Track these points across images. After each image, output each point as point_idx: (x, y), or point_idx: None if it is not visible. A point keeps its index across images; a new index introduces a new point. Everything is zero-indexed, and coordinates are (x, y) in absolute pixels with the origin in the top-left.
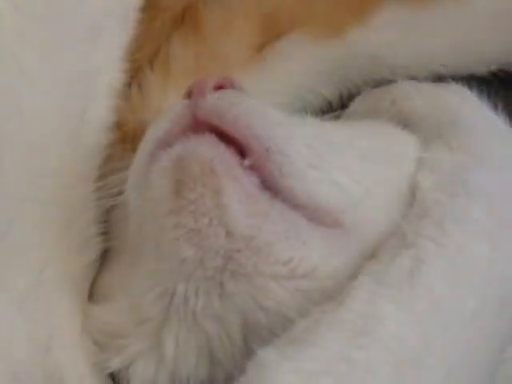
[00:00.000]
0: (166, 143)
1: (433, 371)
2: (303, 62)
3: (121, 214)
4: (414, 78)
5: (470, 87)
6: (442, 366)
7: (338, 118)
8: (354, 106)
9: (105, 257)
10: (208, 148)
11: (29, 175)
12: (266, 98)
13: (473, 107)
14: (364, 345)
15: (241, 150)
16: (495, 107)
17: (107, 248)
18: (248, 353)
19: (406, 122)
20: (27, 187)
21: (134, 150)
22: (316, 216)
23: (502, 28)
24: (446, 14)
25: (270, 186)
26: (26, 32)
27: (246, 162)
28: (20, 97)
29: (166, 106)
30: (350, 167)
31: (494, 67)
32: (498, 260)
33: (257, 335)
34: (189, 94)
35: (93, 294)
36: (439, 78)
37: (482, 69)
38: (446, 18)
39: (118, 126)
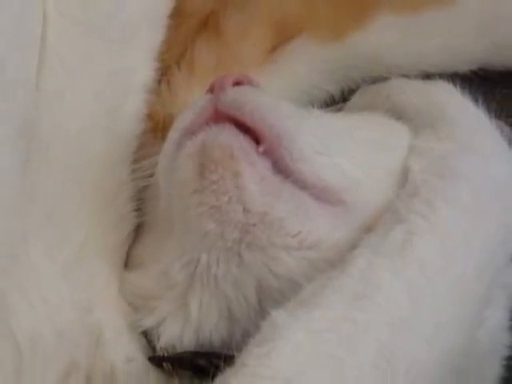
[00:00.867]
0: (191, 132)
1: (422, 328)
2: (309, 63)
3: (152, 193)
4: (406, 75)
5: (454, 84)
6: (430, 323)
7: (339, 110)
8: (354, 99)
9: (138, 230)
10: (228, 136)
11: (72, 160)
12: (277, 94)
13: (457, 101)
14: (363, 306)
15: (256, 138)
16: (476, 101)
17: (140, 223)
18: (262, 313)
19: (399, 114)
20: (71, 171)
21: (163, 138)
22: (321, 195)
23: (483, 33)
24: (435, 20)
25: (281, 169)
26: (68, 35)
27: (261, 149)
28: (64, 91)
29: (191, 100)
30: (351, 153)
31: (474, 66)
32: (479, 234)
33: (270, 298)
34: (211, 89)
35: (128, 263)
36: (428, 76)
37: (464, 68)
38: (435, 24)
39: (150, 117)
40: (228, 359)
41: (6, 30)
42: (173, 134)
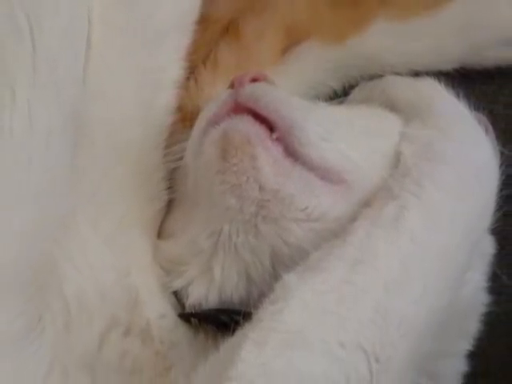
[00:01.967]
0: (214, 122)
1: (412, 289)
2: (315, 62)
3: (182, 173)
4: (398, 73)
5: (439, 81)
6: (419, 285)
7: (341, 103)
8: (354, 94)
9: (170, 206)
10: (246, 125)
11: (113, 146)
12: (288, 89)
13: (442, 95)
14: (361, 271)
15: (270, 127)
16: (457, 96)
17: (172, 199)
18: (276, 276)
19: (392, 106)
20: (112, 155)
21: (191, 127)
22: (326, 175)
23: (463, 37)
24: (422, 26)
25: (291, 153)
26: (109, 37)
27: (274, 136)
28: (105, 85)
29: (215, 94)
30: (351, 139)
31: (456, 66)
32: (461, 209)
33: (282, 263)
34: (232, 85)
35: (161, 234)
36: (416, 74)
37: (447, 67)
38: (423, 30)
39: (180, 109)
40: (246, 315)
41: (58, 33)
42: (199, 123)
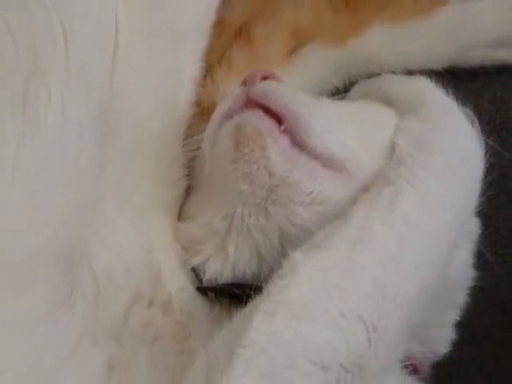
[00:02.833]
0: (229, 115)
1: (406, 266)
2: (319, 62)
3: (199, 162)
4: (393, 72)
5: (430, 79)
6: (412, 262)
7: (342, 99)
8: (354, 91)
9: (189, 191)
10: (257, 118)
11: (137, 137)
12: (294, 86)
13: (433, 92)
14: (361, 249)
15: (278, 120)
16: (447, 92)
17: (190, 185)
18: (284, 254)
19: (388, 102)
20: (136, 145)
21: (207, 120)
22: (329, 164)
23: (452, 40)
24: (415, 30)
25: (298, 143)
26: (134, 40)
27: (282, 128)
28: (130, 84)
29: (229, 91)
30: (351, 131)
31: (445, 65)
32: (450, 194)
33: (289, 242)
34: (244, 83)
35: (180, 216)
36: (410, 73)
37: (438, 66)
38: (415, 33)
39: (197, 104)
40: (257, 289)
41: (88, 37)
42: (215, 117)
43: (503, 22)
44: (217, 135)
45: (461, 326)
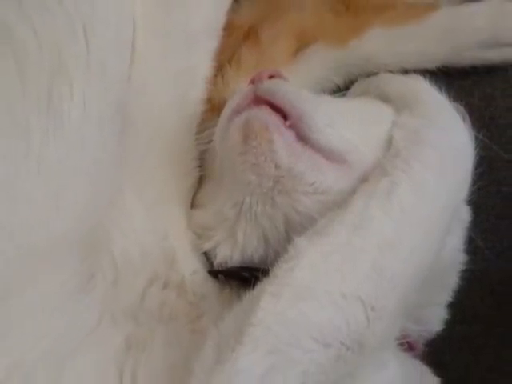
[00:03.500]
0: (238, 111)
1: (402, 249)
2: (321, 62)
3: (211, 154)
4: (390, 71)
5: (425, 77)
6: (408, 246)
7: (343, 96)
8: (354, 88)
9: (201, 181)
10: (264, 114)
11: (153, 131)
12: (299, 84)
13: (427, 89)
14: (360, 235)
15: (284, 116)
16: (440, 90)
17: (202, 175)
18: (288, 239)
19: (385, 99)
20: (152, 139)
21: (218, 115)
22: (330, 156)
23: (445, 41)
24: (411, 32)
25: (302, 138)
26: (150, 42)
27: (287, 123)
28: (147, 82)
29: (238, 88)
30: (351, 126)
31: (438, 64)
32: (442, 184)
33: (294, 229)
34: (252, 81)
35: (193, 204)
36: (406, 71)
37: (431, 65)
38: (411, 35)
39: (209, 101)
40: (264, 272)
41: (108, 39)
42: (225, 113)
43: (492, 25)
44: (227, 130)
45: (452, 306)
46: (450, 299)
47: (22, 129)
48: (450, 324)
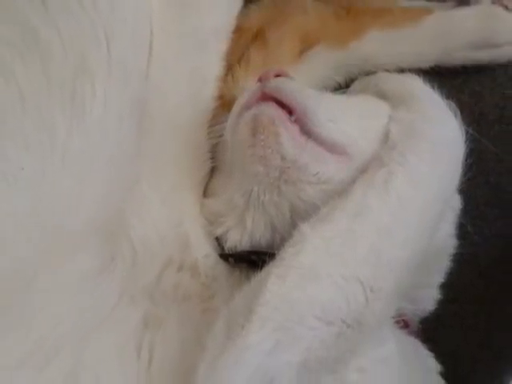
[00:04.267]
0: (247, 107)
1: (398, 234)
2: (323, 62)
3: (222, 147)
4: (387, 70)
5: (419, 76)
6: (403, 232)
7: (344, 93)
8: (354, 86)
9: (213, 172)
10: (271, 110)
11: (168, 126)
12: (303, 83)
13: (421, 87)
14: (359, 221)
15: (289, 112)
16: (432, 87)
17: (214, 167)
18: (294, 226)
19: (383, 96)
20: (168, 133)
21: (229, 111)
22: (332, 148)
23: (437, 43)
24: (406, 34)
25: (306, 131)
26: (166, 43)
27: (292, 118)
28: (163, 80)
29: (247, 86)
30: (351, 121)
31: (432, 64)
32: (436, 174)
33: (299, 215)
34: (260, 79)
35: (206, 193)
36: (402, 71)
37: (425, 65)
38: (406, 37)
39: (220, 97)
40: (271, 256)
41: (127, 41)
42: (235, 109)
43: (481, 28)
44: (237, 124)
45: (444, 287)
46: (442, 281)
47: (48, 124)
48: (442, 303)
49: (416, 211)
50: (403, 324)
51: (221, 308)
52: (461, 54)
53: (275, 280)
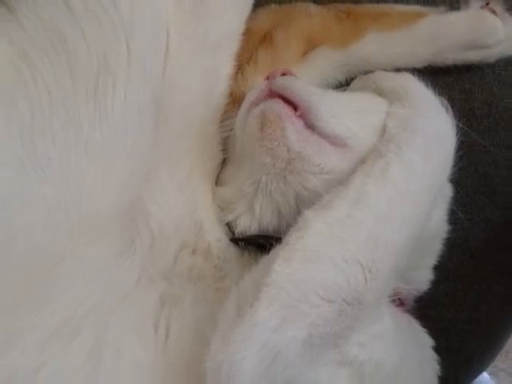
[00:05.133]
0: (255, 103)
1: (395, 220)
2: (326, 62)
3: (232, 140)
4: (384, 69)
5: (413, 74)
6: (400, 217)
7: (344, 90)
8: (353, 84)
9: (224, 163)
10: (277, 106)
11: (183, 120)
12: (307, 81)
13: (415, 85)
14: (359, 208)
15: (294, 107)
16: (426, 85)
17: (225, 158)
18: (299, 212)
19: (380, 92)
20: (182, 127)
21: (239, 107)
22: (334, 141)
23: (431, 44)
24: (402, 35)
25: (310, 126)
26: (181, 44)
27: (297, 113)
28: (178, 78)
29: (256, 84)
30: (352, 116)
31: (425, 64)
32: (429, 164)
33: (303, 203)
34: (267, 78)
35: (217, 182)
36: (397, 70)
37: (419, 65)
38: (402, 38)
39: (231, 94)
40: (278, 240)
41: (145, 41)
42: (245, 105)
43: (470, 31)
44: (246, 119)
45: (437, 268)
46: (435, 262)
47: (74, 118)
48: (435, 283)
49: (411, 198)
50: (399, 302)
51: (232, 287)
52: (452, 55)
53: (281, 262)
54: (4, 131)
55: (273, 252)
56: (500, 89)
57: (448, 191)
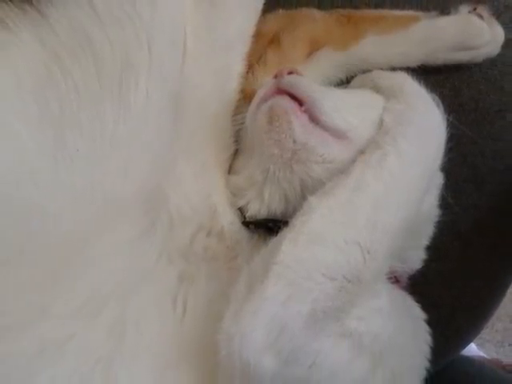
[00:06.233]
0: (264, 99)
1: (391, 206)
2: (328, 62)
3: (243, 133)
4: (381, 68)
5: (408, 73)
6: (395, 202)
7: (345, 87)
8: (353, 82)
9: (236, 153)
10: (284, 102)
11: (199, 114)
12: (311, 79)
13: (410, 82)
14: (358, 195)
15: (300, 103)
16: (419, 83)
17: (237, 149)
18: (304, 198)
19: (378, 90)
20: (198, 120)
21: (249, 103)
22: (336, 134)
23: (423, 45)
24: (398, 38)
25: (314, 120)
26: (197, 44)
27: (302, 108)
28: (194, 76)
29: (265, 82)
30: (352, 110)
31: (419, 63)
32: (422, 154)
33: (308, 189)
34: (275, 76)
35: (230, 170)
36: (393, 69)
37: (413, 64)
38: (398, 40)
39: (242, 91)
40: (285, 223)
41: (165, 42)
42: (254, 101)
43: (459, 33)
44: (256, 113)
45: (429, 248)
46: (427, 243)
47: (99, 113)
48: (427, 262)
49: (405, 185)
50: (394, 280)
51: (243, 267)
52: (443, 55)
53: (288, 243)
54: (37, 126)
55: (280, 234)
56: (486, 86)
57: (439, 179)
